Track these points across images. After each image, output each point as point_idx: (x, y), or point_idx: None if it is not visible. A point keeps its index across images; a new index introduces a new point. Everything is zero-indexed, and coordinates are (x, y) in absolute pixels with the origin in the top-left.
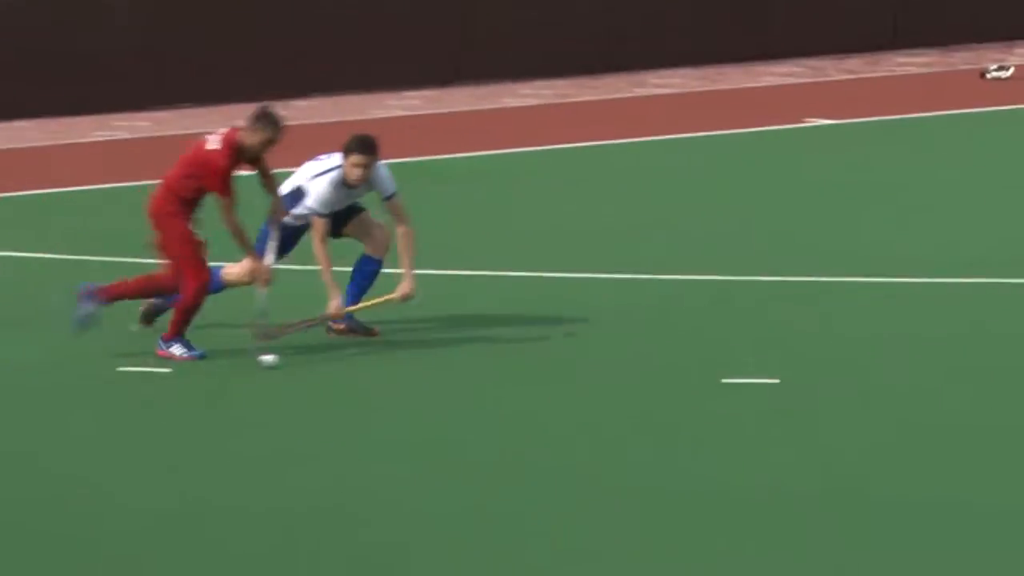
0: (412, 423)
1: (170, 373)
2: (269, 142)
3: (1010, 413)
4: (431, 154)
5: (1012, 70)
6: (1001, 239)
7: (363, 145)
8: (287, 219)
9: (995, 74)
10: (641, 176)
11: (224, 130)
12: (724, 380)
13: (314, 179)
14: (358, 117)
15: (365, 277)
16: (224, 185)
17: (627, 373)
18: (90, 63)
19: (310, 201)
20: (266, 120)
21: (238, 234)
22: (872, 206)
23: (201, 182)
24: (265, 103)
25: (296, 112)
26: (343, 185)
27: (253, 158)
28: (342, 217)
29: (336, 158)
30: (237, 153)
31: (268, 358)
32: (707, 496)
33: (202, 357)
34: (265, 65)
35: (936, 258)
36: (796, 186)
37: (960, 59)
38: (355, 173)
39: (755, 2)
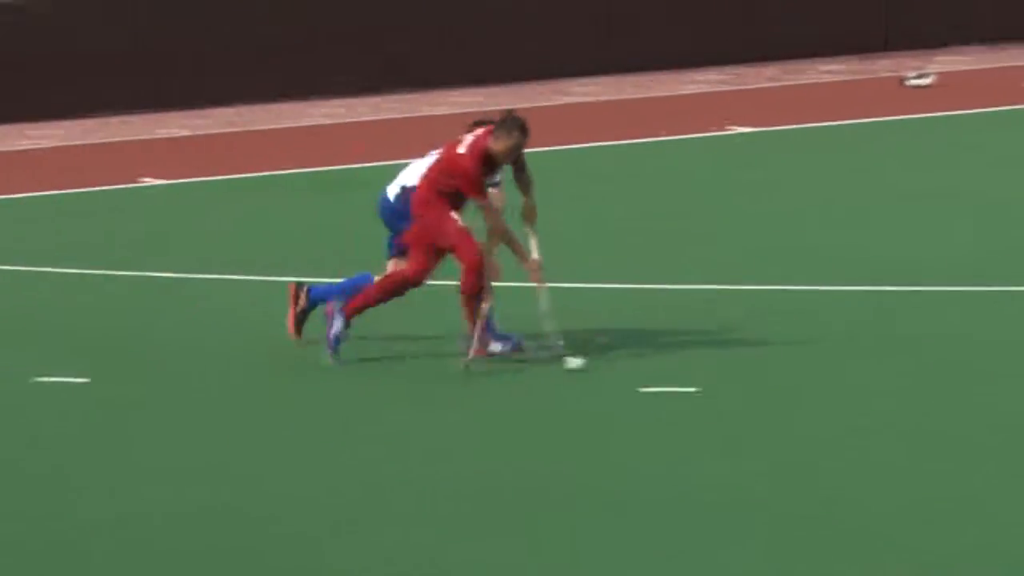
0: (319, 432)
1: (87, 383)
2: (516, 147)
3: (913, 416)
4: (358, 162)
5: (932, 78)
6: (919, 245)
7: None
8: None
9: (915, 82)
10: (564, 184)
11: (479, 131)
12: (641, 389)
13: None
14: (282, 124)
15: (355, 284)
16: (475, 188)
17: (542, 381)
18: (8, 72)
19: None
20: (511, 125)
21: (504, 235)
22: (792, 213)
23: (455, 183)
24: (510, 108)
25: (211, 122)
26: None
27: (504, 163)
28: None
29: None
30: (484, 158)
31: (576, 361)
32: (617, 502)
33: (517, 346)
34: (168, 74)
35: (855, 265)
36: (717, 193)
37: (880, 67)
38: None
39: (677, 9)
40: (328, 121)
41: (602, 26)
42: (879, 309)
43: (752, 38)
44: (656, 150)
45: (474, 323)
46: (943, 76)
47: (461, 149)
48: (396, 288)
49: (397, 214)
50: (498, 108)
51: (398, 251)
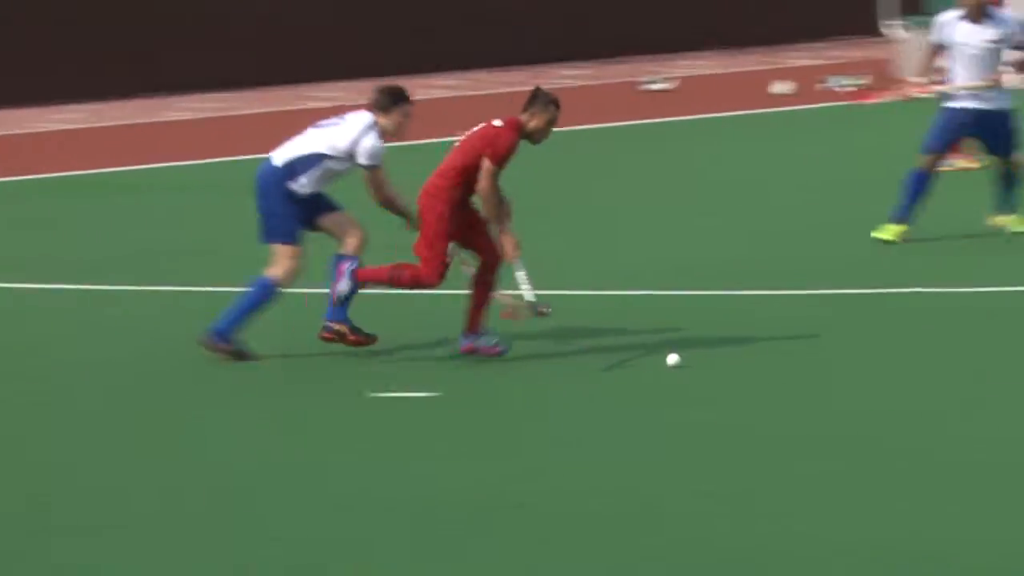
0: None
1: None
2: (554, 121)
3: (638, 420)
4: (87, 168)
5: (670, 83)
6: (652, 253)
7: (407, 95)
8: (298, 188)
9: (657, 86)
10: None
11: (497, 120)
12: (372, 393)
13: (361, 138)
14: (12, 131)
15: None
16: (500, 156)
17: (271, 387)
18: None
19: (368, 159)
20: (545, 99)
21: (495, 207)
22: (527, 220)
23: (483, 155)
24: (537, 86)
25: None
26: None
27: (541, 139)
28: (319, 207)
29: (360, 116)
30: (521, 134)
31: (674, 357)
32: (354, 507)
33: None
34: None
35: (591, 272)
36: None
37: (616, 72)
38: (408, 124)
39: (413, 15)
40: (70, 126)
41: (343, 32)
42: (686, 313)
43: (494, 43)
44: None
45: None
46: (683, 81)
47: (498, 123)
48: (410, 283)
49: (277, 181)
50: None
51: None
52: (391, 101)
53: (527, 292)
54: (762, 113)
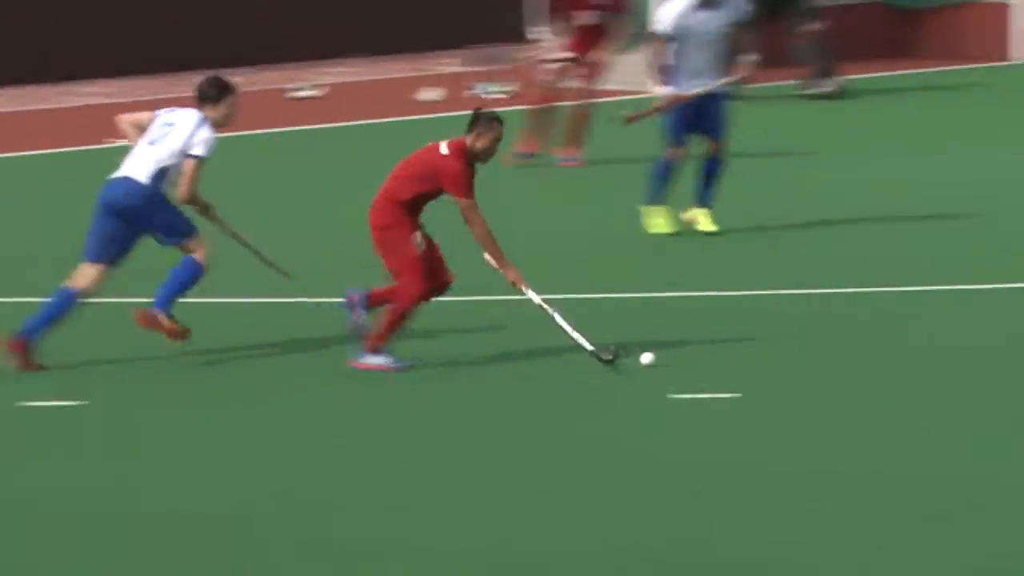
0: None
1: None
2: (497, 140)
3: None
4: None
5: (319, 90)
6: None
7: (232, 85)
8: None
9: (304, 93)
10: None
11: (448, 140)
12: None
13: (195, 131)
14: None
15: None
16: (462, 189)
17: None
18: None
19: (204, 150)
20: (489, 118)
21: (484, 240)
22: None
23: (429, 186)
24: (478, 106)
25: None
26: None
27: (486, 160)
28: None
29: (188, 114)
30: (468, 157)
31: (648, 356)
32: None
33: (411, 368)
34: None
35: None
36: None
37: (265, 79)
38: (235, 114)
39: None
40: None
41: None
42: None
43: (136, 48)
44: (40, 163)
45: (382, 334)
46: (330, 88)
47: (443, 151)
48: (412, 310)
49: (151, 192)
50: None
51: (109, 251)
52: (218, 92)
53: (582, 341)
54: (410, 120)
